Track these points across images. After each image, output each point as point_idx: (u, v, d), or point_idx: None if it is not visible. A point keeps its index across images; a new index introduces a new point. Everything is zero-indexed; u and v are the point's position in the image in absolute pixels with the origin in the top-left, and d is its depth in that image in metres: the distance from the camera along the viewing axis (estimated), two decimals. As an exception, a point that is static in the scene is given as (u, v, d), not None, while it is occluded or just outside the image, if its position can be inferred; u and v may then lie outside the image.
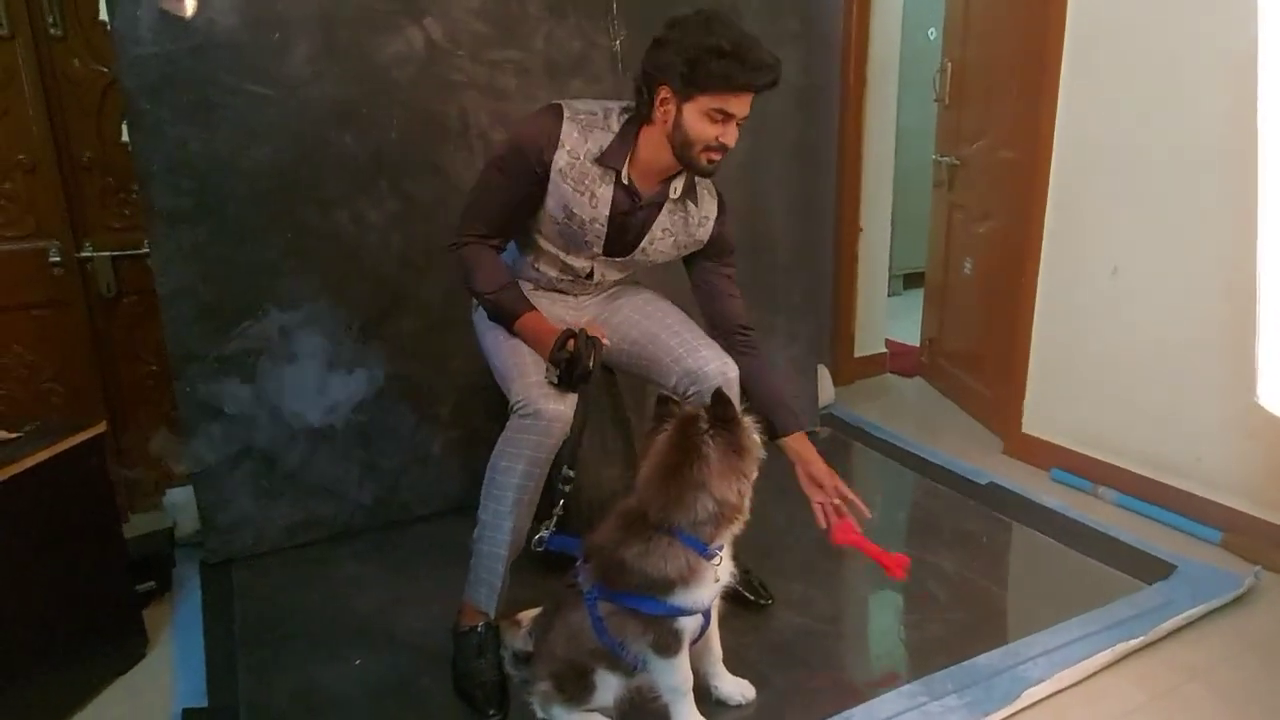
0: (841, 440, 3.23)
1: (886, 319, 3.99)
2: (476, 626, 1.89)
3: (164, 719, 1.86)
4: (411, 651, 2.03)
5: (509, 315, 1.88)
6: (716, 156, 1.79)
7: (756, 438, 1.59)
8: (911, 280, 5.23)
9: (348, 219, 2.43)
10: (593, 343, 1.81)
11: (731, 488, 1.56)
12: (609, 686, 1.70)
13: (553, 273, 2.00)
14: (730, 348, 2.00)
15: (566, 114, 1.81)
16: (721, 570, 1.63)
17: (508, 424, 1.84)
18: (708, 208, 1.96)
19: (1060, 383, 2.87)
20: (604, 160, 1.81)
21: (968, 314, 3.51)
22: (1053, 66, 2.69)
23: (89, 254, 2.54)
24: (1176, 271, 2.48)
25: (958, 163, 3.46)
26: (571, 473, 1.86)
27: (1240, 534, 2.39)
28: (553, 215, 1.87)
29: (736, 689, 1.82)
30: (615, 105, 1.87)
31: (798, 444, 1.98)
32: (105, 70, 2.44)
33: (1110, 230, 2.63)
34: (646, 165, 1.85)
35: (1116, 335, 2.66)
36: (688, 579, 1.57)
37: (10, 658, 1.74)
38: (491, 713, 1.80)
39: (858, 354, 3.82)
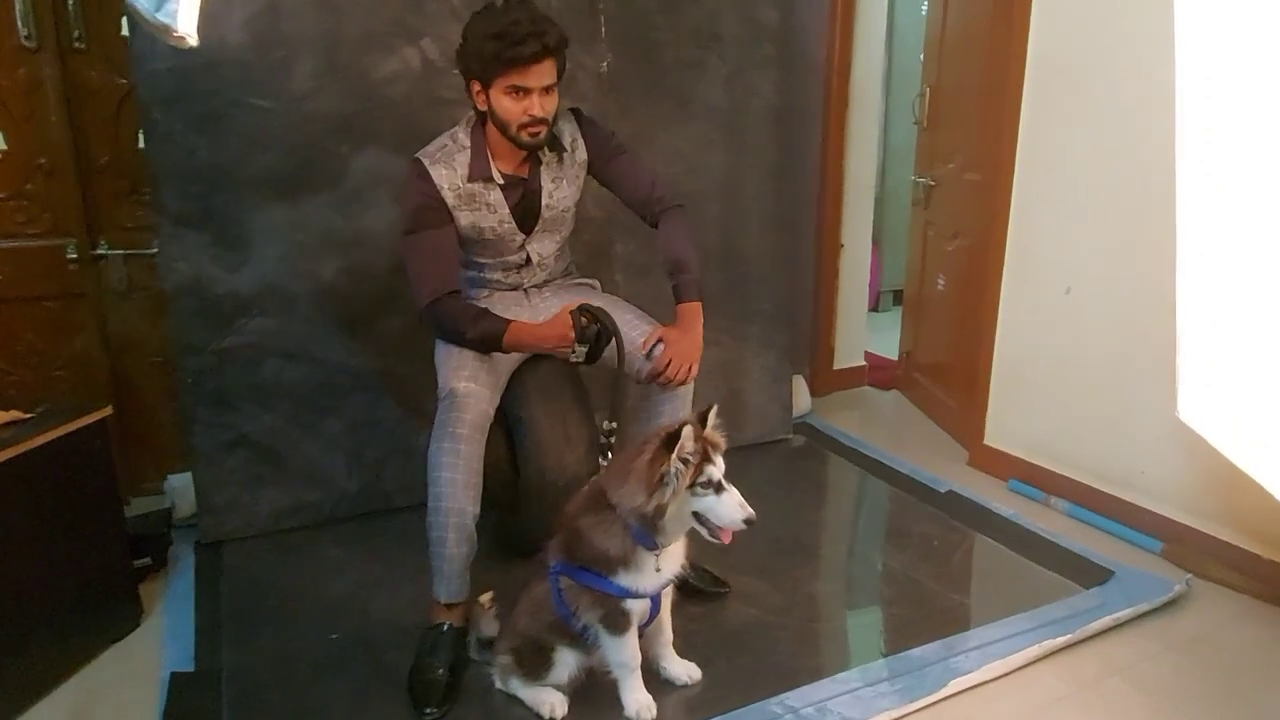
0: (814, 448, 3.36)
1: (869, 333, 4.12)
2: (440, 625, 2.00)
3: (154, 681, 2.00)
4: (383, 629, 2.17)
5: (495, 338, 2.00)
6: (537, 129, 1.99)
7: (677, 479, 1.61)
8: (900, 297, 5.35)
9: (343, 225, 2.60)
10: (592, 308, 2.01)
11: (644, 498, 1.62)
12: (566, 664, 1.83)
13: (497, 274, 2.21)
14: (652, 221, 2.19)
15: (425, 162, 2.03)
16: (665, 563, 1.74)
17: (436, 412, 2.02)
18: (570, 133, 2.15)
19: (1019, 397, 2.99)
20: (474, 176, 2.03)
21: (940, 329, 3.64)
22: (1014, 94, 2.82)
23: (103, 251, 2.72)
24: (1123, 291, 2.60)
25: (933, 183, 3.60)
26: (613, 424, 2.02)
27: (1180, 544, 2.50)
28: (470, 237, 2.10)
29: (683, 670, 1.94)
30: (459, 125, 2.09)
31: (684, 311, 2.10)
32: (123, 81, 2.62)
33: (1064, 251, 2.76)
34: (507, 152, 2.05)
35: (1069, 352, 2.78)
36: (628, 562, 1.70)
37: (15, 623, 1.89)
38: (428, 710, 1.84)
39: (837, 366, 3.94)
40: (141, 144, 2.65)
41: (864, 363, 4.07)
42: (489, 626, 2.01)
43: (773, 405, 3.30)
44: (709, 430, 1.69)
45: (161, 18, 1.51)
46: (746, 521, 1.65)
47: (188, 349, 2.50)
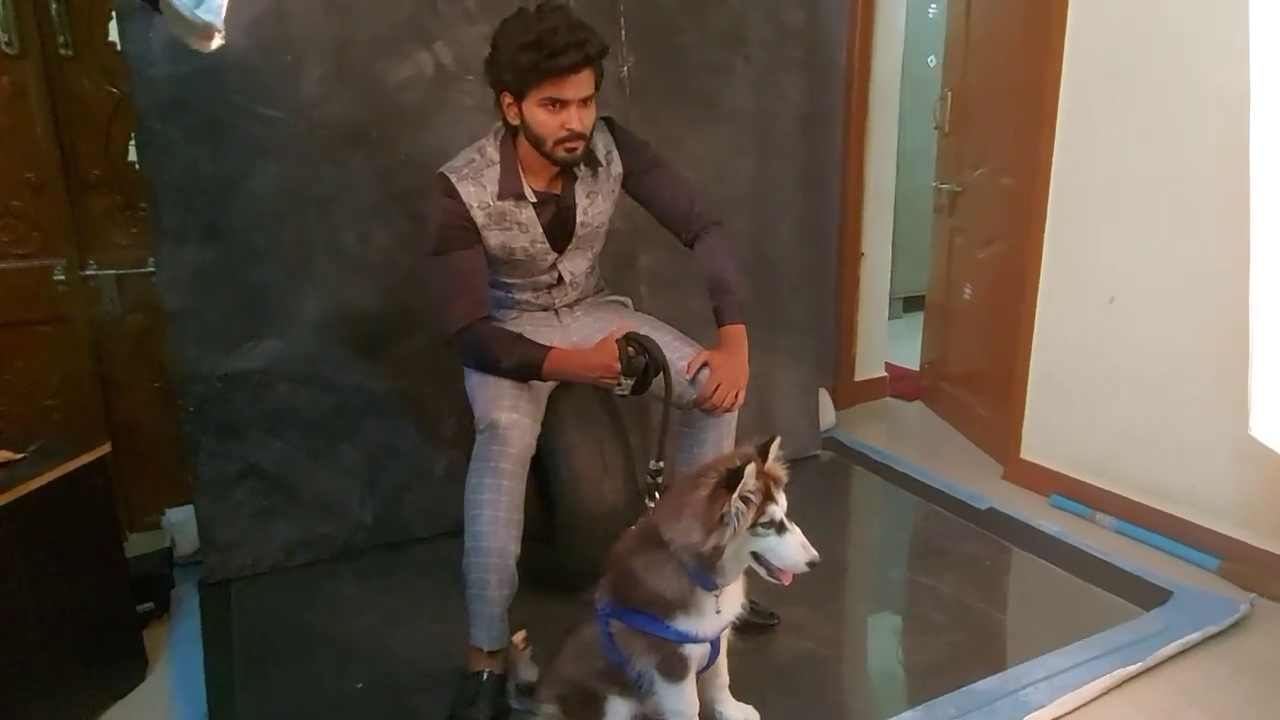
0: (844, 465, 3.24)
1: (888, 342, 4.01)
2: (480, 673, 1.86)
3: (165, 742, 1.85)
4: (409, 673, 2.03)
5: (534, 366, 1.87)
6: (574, 144, 1.85)
7: (738, 519, 1.49)
8: (911, 304, 5.26)
9: (355, 240, 2.45)
10: (639, 337, 1.87)
11: (701, 536, 1.50)
12: (618, 714, 1.69)
13: (527, 294, 2.07)
14: (690, 241, 2.07)
15: (453, 178, 1.88)
16: (725, 604, 1.61)
17: (475, 445, 1.88)
18: (604, 145, 2.00)
19: (1059, 409, 2.89)
20: (505, 194, 1.89)
21: (968, 338, 3.53)
22: (1051, 97, 2.73)
23: (94, 271, 2.55)
24: (1172, 300, 2.51)
25: (959, 189, 3.50)
26: (660, 464, 1.88)
27: (1237, 561, 2.40)
28: (499, 257, 1.96)
29: (741, 713, 1.81)
30: (485, 138, 1.95)
31: (729, 333, 1.98)
32: (115, 90, 2.46)
33: (1107, 259, 2.66)
34: (539, 167, 1.92)
35: (1114, 362, 2.69)
36: (686, 604, 1.57)
37: (11, 681, 1.73)
38: None
39: (858, 377, 3.83)
40: (132, 156, 2.51)
41: (885, 373, 3.96)
42: (527, 670, 1.88)
43: (802, 420, 3.18)
44: (770, 464, 1.56)
45: (203, 15, 1.36)
46: (810, 564, 1.53)
47: (191, 375, 2.34)
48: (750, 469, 1.48)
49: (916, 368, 4.05)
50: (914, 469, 3.13)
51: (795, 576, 1.57)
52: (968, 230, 3.48)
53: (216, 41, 1.42)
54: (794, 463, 3.07)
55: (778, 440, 1.58)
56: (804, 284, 3.10)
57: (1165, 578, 2.37)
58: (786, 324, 3.07)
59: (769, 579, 1.58)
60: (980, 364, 3.41)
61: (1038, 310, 2.88)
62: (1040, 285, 2.86)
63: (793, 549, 1.53)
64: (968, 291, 3.46)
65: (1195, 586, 2.32)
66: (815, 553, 1.53)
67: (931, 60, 4.87)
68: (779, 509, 1.52)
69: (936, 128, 3.62)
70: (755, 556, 1.56)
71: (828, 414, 3.43)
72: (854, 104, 3.44)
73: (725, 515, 1.48)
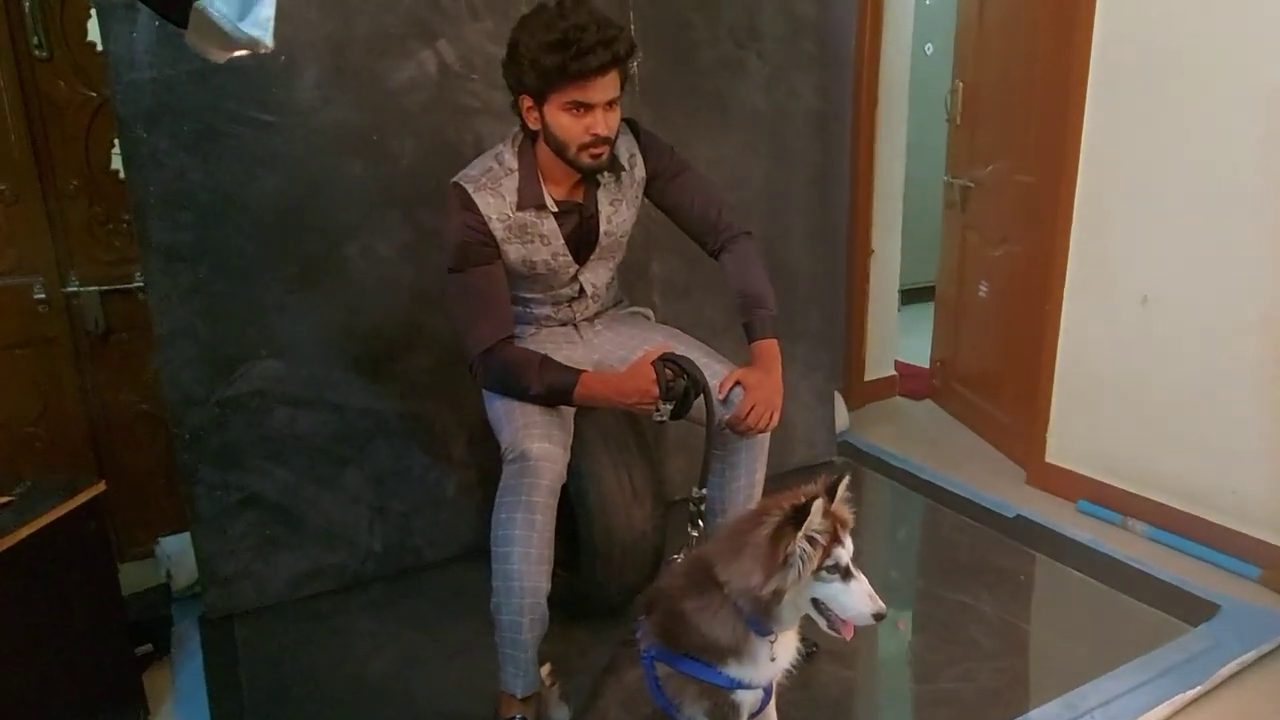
0: (861, 471, 3.15)
1: (897, 341, 3.92)
2: (513, 718, 1.76)
3: (173, 801, 1.72)
4: (436, 717, 1.91)
5: (565, 392, 1.74)
6: (600, 150, 1.73)
7: (803, 561, 1.37)
8: (910, 296, 5.18)
9: (357, 252, 2.31)
10: (676, 358, 1.75)
11: (761, 579, 1.39)
12: (665, 763, 1.59)
13: (546, 309, 1.95)
14: (715, 251, 1.96)
15: (469, 188, 1.75)
16: (780, 651, 1.50)
17: (502, 475, 1.75)
18: (627, 148, 1.89)
19: (1087, 412, 2.81)
20: (525, 204, 1.77)
21: (983, 337, 3.44)
22: (1078, 91, 2.63)
23: (75, 289, 2.39)
24: (1209, 300, 2.43)
25: (971, 185, 3.40)
26: (703, 492, 1.76)
27: (1278, 570, 2.34)
28: (519, 271, 1.83)
29: (791, 756, 1.72)
30: (503, 143, 1.82)
31: (762, 349, 1.88)
32: (94, 94, 2.29)
33: (1139, 257, 2.58)
34: (560, 174, 1.80)
35: (1146, 364, 2.61)
36: (740, 651, 1.46)
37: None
38: None
39: (868, 377, 3.74)
40: (115, 165, 2.35)
41: (895, 372, 3.88)
42: (559, 711, 1.77)
43: (818, 427, 3.09)
44: (837, 504, 1.44)
45: (249, 29, 1.19)
46: (877, 616, 1.40)
47: (186, 400, 2.18)
48: (818, 505, 1.36)
49: (922, 363, 3.96)
50: (935, 475, 3.05)
51: (879, 602, 1.42)
52: (981, 227, 3.39)
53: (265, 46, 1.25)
54: (810, 470, 3.03)
55: (847, 479, 1.46)
56: (818, 290, 2.99)
57: (1209, 590, 2.30)
58: (801, 332, 2.96)
59: (829, 630, 1.45)
60: (998, 364, 3.33)
61: (1064, 310, 2.80)
62: (1066, 285, 2.77)
63: (858, 598, 1.40)
64: (983, 289, 3.37)
65: (1241, 599, 2.26)
66: (882, 604, 1.41)
67: (929, 48, 4.78)
68: (845, 553, 1.40)
69: (947, 120, 3.52)
70: (815, 604, 1.44)
71: (841, 417, 3.34)
72: (863, 98, 3.33)
73: (789, 556, 1.36)
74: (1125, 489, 2.72)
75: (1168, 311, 2.54)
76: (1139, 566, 2.43)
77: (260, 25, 1.21)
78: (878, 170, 3.49)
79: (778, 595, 1.39)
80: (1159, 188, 2.50)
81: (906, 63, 3.49)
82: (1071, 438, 2.87)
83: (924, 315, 4.01)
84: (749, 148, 2.78)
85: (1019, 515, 2.74)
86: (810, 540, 1.37)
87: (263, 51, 1.24)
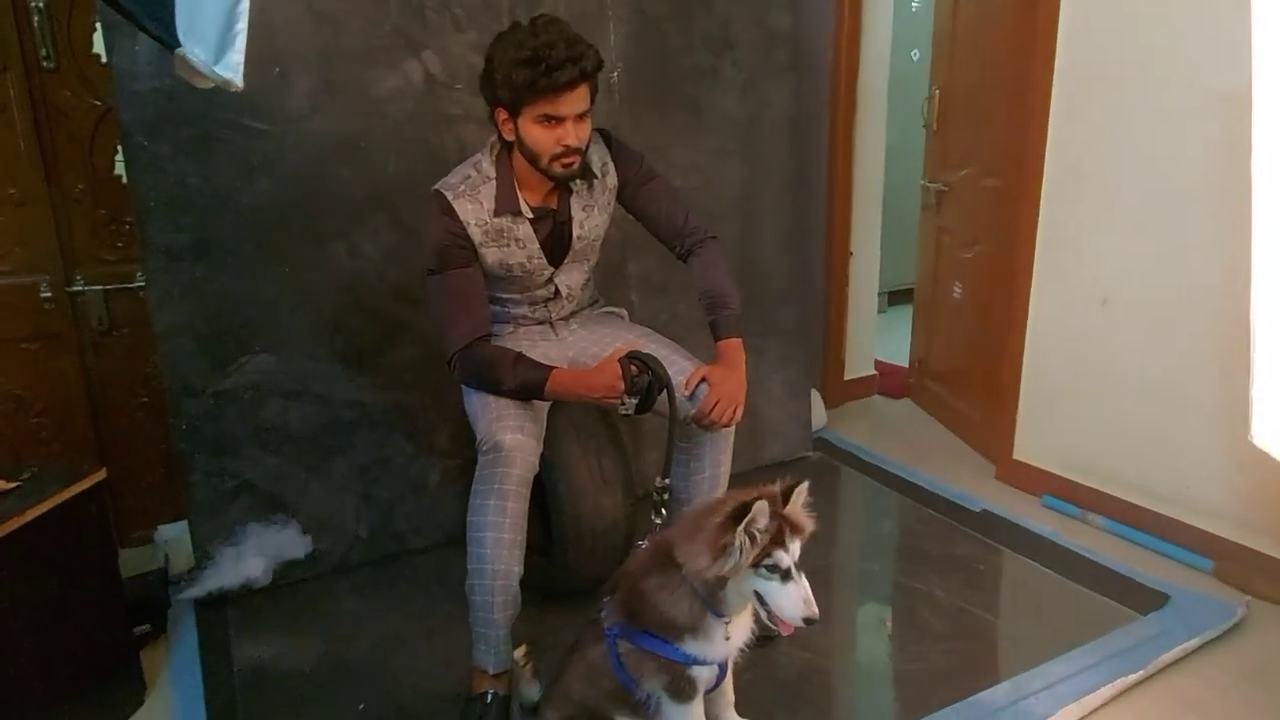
0: (835, 466, 3.25)
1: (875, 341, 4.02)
2: (485, 694, 1.86)
3: (167, 768, 1.83)
4: (414, 695, 2.02)
5: (536, 387, 1.85)
6: (570, 160, 1.84)
7: (740, 553, 1.46)
8: (896, 297, 5.28)
9: (345, 252, 2.42)
10: (642, 356, 1.86)
11: (708, 562, 1.49)
12: (625, 735, 1.69)
13: (523, 309, 2.06)
14: (683, 254, 2.07)
15: (449, 195, 1.86)
16: (735, 631, 1.60)
17: (477, 465, 1.86)
18: (600, 157, 2.00)
19: (1051, 410, 2.91)
20: (501, 210, 1.88)
21: (957, 338, 3.54)
22: (1042, 97, 2.73)
23: (80, 287, 2.51)
24: (1164, 302, 2.52)
25: (945, 189, 3.50)
26: (666, 482, 1.86)
27: (1231, 562, 2.43)
28: (497, 273, 1.95)
29: (746, 732, 1.82)
30: (481, 153, 1.93)
31: (727, 348, 1.97)
32: (98, 102, 2.41)
33: (1100, 260, 2.67)
34: (535, 182, 1.91)
35: (1107, 364, 2.70)
36: (696, 629, 1.56)
37: (9, 711, 1.70)
38: None
39: (848, 376, 3.84)
40: (118, 170, 2.46)
41: (874, 372, 3.97)
42: (530, 688, 1.87)
43: (793, 423, 3.19)
44: (793, 508, 1.53)
45: (222, 72, 1.36)
46: (807, 620, 1.48)
47: (183, 392, 2.30)
48: (760, 506, 1.45)
49: (903, 363, 4.06)
50: (906, 470, 3.15)
51: (813, 608, 1.49)
52: (954, 230, 3.49)
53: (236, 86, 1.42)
54: (784, 465, 3.14)
55: (805, 485, 1.54)
56: (792, 289, 3.10)
57: (1160, 580, 2.39)
58: (775, 329, 3.07)
59: (768, 623, 1.56)
60: (970, 363, 3.43)
61: (1030, 311, 2.89)
62: (1032, 286, 2.87)
63: (791, 600, 1.48)
64: (958, 290, 3.47)
65: (1191, 589, 2.35)
66: (816, 610, 1.48)
67: (915, 54, 4.87)
68: (787, 556, 1.48)
69: (924, 126, 3.62)
70: (758, 597, 1.54)
71: (818, 414, 3.44)
72: (841, 104, 3.43)
73: (728, 546, 1.47)
74: (1087, 484, 2.81)
75: (1125, 312, 2.63)
76: (1094, 558, 2.52)
77: (231, 69, 1.36)
78: (856, 174, 3.58)
79: (720, 581, 1.49)
80: (1120, 192, 2.60)
81: (885, 70, 3.58)
82: (1037, 435, 2.97)
83: (909, 316, 4.10)
84: (724, 152, 2.89)
85: (984, 509, 2.83)
86: (751, 536, 1.46)
87: (234, 90, 1.40)
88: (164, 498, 2.65)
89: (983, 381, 3.27)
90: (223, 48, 1.36)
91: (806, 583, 1.51)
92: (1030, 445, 2.99)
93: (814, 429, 3.39)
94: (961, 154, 3.39)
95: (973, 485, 3.05)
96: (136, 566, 2.48)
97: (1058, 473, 2.90)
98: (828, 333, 3.69)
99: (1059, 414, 2.88)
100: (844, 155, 3.52)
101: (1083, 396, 2.79)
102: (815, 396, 3.43)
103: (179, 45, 1.33)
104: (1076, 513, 2.81)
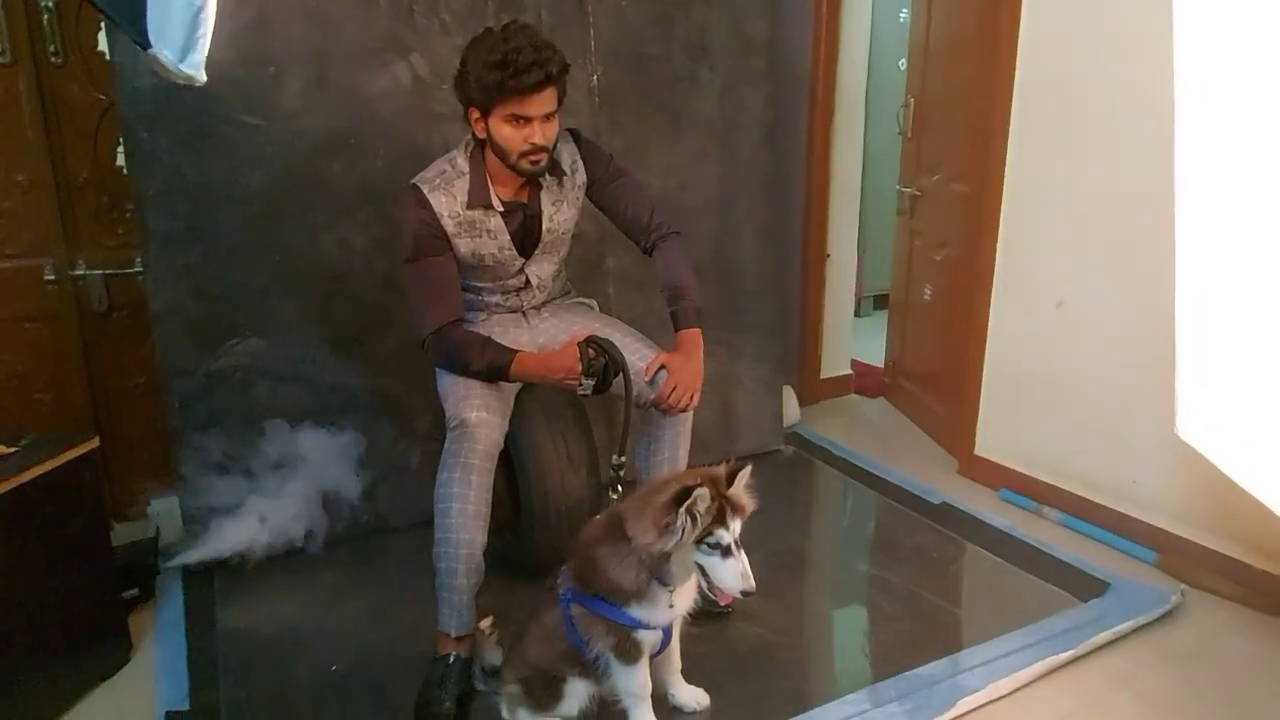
0: (804, 459, 3.37)
1: (855, 340, 4.13)
2: (447, 656, 1.97)
3: (148, 720, 1.94)
4: (385, 659, 2.14)
5: (501, 369, 1.97)
6: (538, 157, 1.96)
7: (682, 533, 1.58)
8: (881, 301, 5.38)
9: (334, 243, 2.55)
10: (600, 340, 1.99)
11: (654, 538, 1.60)
12: (577, 695, 1.80)
13: (496, 297, 2.18)
14: (648, 248, 2.18)
15: (424, 189, 1.99)
16: (678, 599, 1.72)
17: (445, 441, 1.99)
18: (569, 155, 2.12)
19: (1010, 407, 3.02)
20: (474, 203, 2.00)
21: (927, 338, 3.66)
22: (1003, 106, 2.84)
23: (82, 271, 2.64)
24: (1113, 304, 2.63)
25: (918, 194, 3.62)
26: (622, 459, 1.98)
27: (1173, 554, 2.53)
28: (469, 262, 2.06)
29: (692, 697, 1.93)
30: (456, 149, 2.06)
31: (686, 337, 2.09)
32: (102, 97, 2.54)
33: (1056, 264, 2.79)
34: (507, 177, 2.03)
35: (1061, 363, 2.81)
36: (642, 595, 1.68)
37: (1, 664, 1.82)
38: None
39: (824, 375, 3.95)
40: (120, 161, 2.59)
41: (850, 371, 4.09)
42: (492, 654, 1.98)
43: (765, 417, 3.30)
44: (736, 489, 1.65)
45: (186, 69, 1.53)
46: (745, 593, 1.62)
47: (176, 372, 2.43)
48: (702, 491, 1.58)
49: (880, 364, 4.17)
50: (873, 464, 3.26)
51: (749, 581, 1.62)
52: (925, 233, 3.61)
53: (202, 76, 1.58)
54: (757, 457, 3.26)
55: (748, 469, 1.66)
56: (766, 286, 3.22)
57: (1104, 570, 2.49)
58: (749, 325, 3.19)
59: (709, 594, 1.70)
60: (938, 363, 3.54)
61: (991, 312, 3.01)
62: (993, 288, 2.99)
63: (730, 574, 1.62)
64: (928, 292, 3.59)
65: (1131, 578, 2.45)
66: (752, 583, 1.61)
67: (902, 64, 4.98)
68: (727, 534, 1.61)
69: (900, 133, 3.74)
70: (701, 569, 1.66)
71: (792, 410, 3.55)
72: (819, 109, 3.54)
73: (670, 524, 1.59)
74: (1041, 479, 2.92)
75: (1079, 314, 2.74)
76: (1044, 548, 2.62)
77: (194, 66, 1.55)
78: (834, 179, 3.70)
79: (664, 555, 1.62)
80: (1073, 199, 2.71)
81: (863, 78, 3.70)
82: (997, 431, 3.08)
83: (894, 319, 4.22)
84: (702, 154, 3.01)
85: (945, 502, 2.94)
86: (692, 516, 1.59)
87: (197, 85, 1.60)
88: (158, 473, 2.76)
89: (949, 380, 3.38)
90: (187, 49, 1.54)
91: (745, 558, 1.64)
92: (990, 441, 3.11)
93: (787, 424, 3.50)
94: (933, 160, 3.51)
95: (936, 480, 3.16)
96: (130, 538, 2.61)
97: (1015, 468, 3.01)
98: (804, 332, 3.80)
99: (1018, 411, 3.00)
100: (822, 160, 3.64)
101: (1039, 395, 2.91)
102: (789, 393, 3.55)
103: (151, 46, 1.50)
104: (1032, 506, 2.92)
